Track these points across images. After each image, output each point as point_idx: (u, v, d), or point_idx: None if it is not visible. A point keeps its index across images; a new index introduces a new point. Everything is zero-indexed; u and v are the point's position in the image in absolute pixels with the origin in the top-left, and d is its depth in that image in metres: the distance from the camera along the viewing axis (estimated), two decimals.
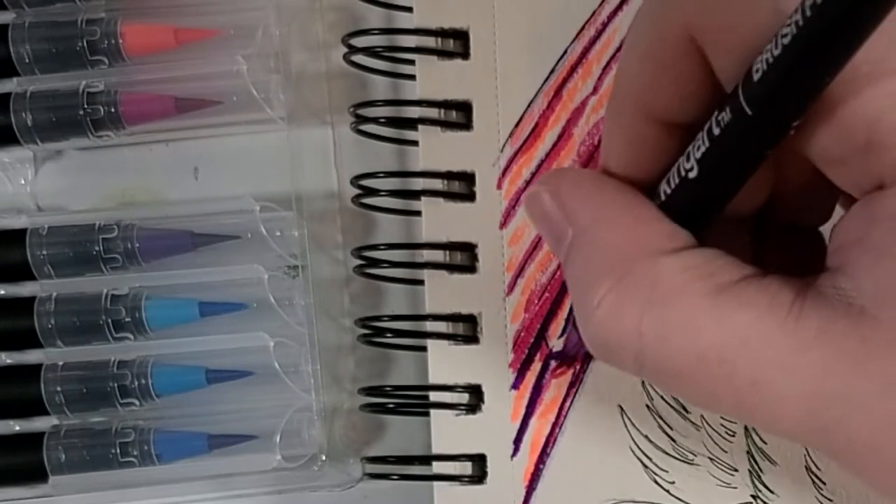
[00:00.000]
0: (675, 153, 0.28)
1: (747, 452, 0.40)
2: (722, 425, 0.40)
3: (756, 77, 0.24)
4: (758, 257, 0.27)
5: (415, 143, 0.41)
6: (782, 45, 0.23)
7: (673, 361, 0.26)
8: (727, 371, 0.26)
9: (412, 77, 0.41)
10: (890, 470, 0.25)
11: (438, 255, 0.41)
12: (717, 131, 0.26)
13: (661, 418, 0.41)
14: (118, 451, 0.43)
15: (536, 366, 0.41)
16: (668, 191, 0.28)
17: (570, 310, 0.40)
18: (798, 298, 0.25)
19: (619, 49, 0.40)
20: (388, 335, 0.43)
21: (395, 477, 0.42)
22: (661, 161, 0.29)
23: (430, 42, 0.41)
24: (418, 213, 0.41)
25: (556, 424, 0.41)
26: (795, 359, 0.25)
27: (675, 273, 0.26)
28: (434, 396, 0.41)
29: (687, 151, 0.27)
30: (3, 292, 0.45)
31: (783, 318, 0.25)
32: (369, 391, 0.43)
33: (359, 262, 0.43)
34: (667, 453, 0.41)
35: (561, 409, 0.41)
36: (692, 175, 0.27)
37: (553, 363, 0.41)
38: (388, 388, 0.43)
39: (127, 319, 0.43)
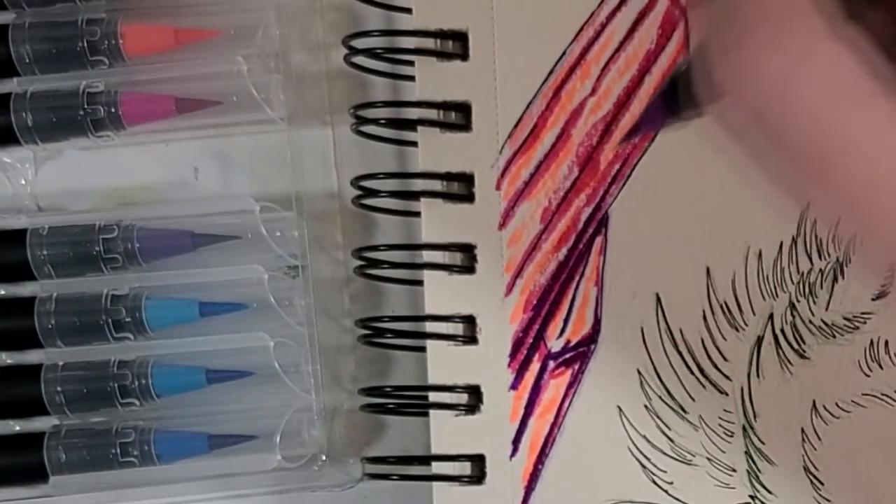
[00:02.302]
0: None
1: (745, 453, 0.41)
2: (720, 426, 0.41)
3: None
4: None
5: (414, 144, 0.42)
6: None
7: (798, 127, 0.26)
8: (854, 155, 0.25)
9: (412, 78, 0.41)
10: None
11: (438, 256, 0.41)
12: None
13: (659, 419, 0.41)
14: (118, 451, 0.43)
15: (535, 366, 0.41)
16: None
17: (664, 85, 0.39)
18: None
19: (617, 50, 0.40)
20: (388, 335, 0.43)
21: (395, 477, 0.43)
22: None
23: (429, 43, 0.41)
24: (418, 214, 0.42)
25: (555, 425, 0.41)
26: None
27: (831, 39, 0.26)
28: (433, 397, 0.41)
29: None
30: (3, 292, 0.45)
31: None
32: (369, 391, 0.43)
33: (359, 262, 0.43)
34: (665, 454, 0.41)
35: (560, 409, 0.41)
36: None
37: (552, 364, 0.41)
38: (388, 389, 0.43)
39: (127, 319, 0.44)
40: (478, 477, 0.41)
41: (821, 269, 0.40)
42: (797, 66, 0.26)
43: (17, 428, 0.45)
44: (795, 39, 0.26)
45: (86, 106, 0.44)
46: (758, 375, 0.40)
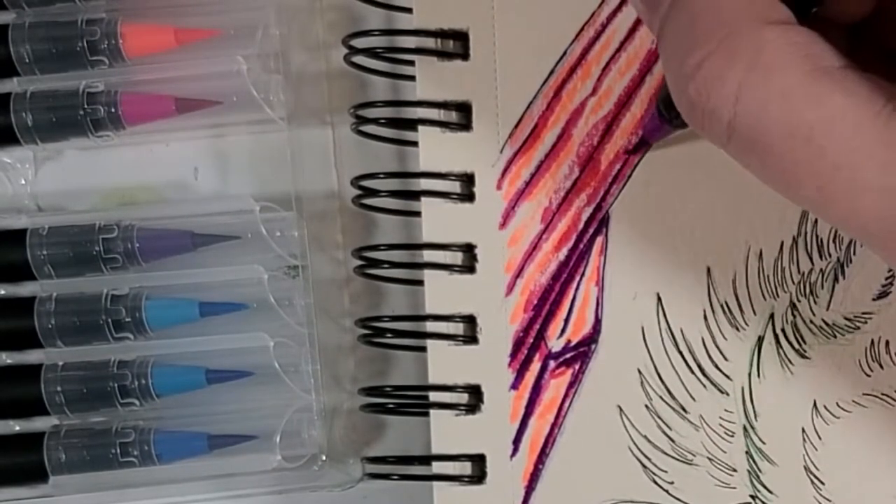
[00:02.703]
0: None
1: (746, 453, 0.41)
2: (721, 426, 0.41)
3: None
4: None
5: (415, 143, 0.41)
6: None
7: (764, 134, 0.27)
8: (815, 152, 0.26)
9: (412, 78, 0.41)
10: None
11: (438, 256, 0.41)
12: None
13: (659, 418, 0.41)
14: (118, 451, 0.43)
15: (535, 366, 0.41)
16: None
17: (660, 87, 0.39)
18: (895, 98, 0.26)
19: (618, 50, 0.40)
20: (388, 335, 0.43)
21: (395, 477, 0.42)
22: None
23: (429, 43, 0.41)
24: (418, 214, 0.42)
25: (556, 425, 0.41)
26: (885, 153, 0.25)
27: (780, 45, 0.27)
28: (434, 396, 0.41)
29: None
30: (3, 292, 0.45)
31: (879, 111, 0.26)
32: (369, 391, 0.43)
33: (359, 262, 0.43)
34: (666, 453, 0.41)
35: (560, 409, 0.41)
36: None
37: (552, 363, 0.41)
38: (388, 388, 0.43)
39: (127, 319, 0.44)
40: (478, 477, 0.41)
41: (821, 269, 0.40)
42: (751, 76, 0.27)
43: (17, 428, 0.45)
44: (745, 53, 0.27)
45: (86, 106, 0.44)
46: (758, 375, 0.40)
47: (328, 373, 0.45)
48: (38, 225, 0.44)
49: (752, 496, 0.41)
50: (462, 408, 0.41)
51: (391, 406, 0.43)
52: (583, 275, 0.41)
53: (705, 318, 0.40)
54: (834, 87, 0.26)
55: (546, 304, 0.41)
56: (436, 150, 0.41)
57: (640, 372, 0.41)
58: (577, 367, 0.41)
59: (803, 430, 0.40)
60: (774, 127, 0.26)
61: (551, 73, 0.40)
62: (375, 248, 0.43)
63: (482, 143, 0.41)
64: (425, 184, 0.41)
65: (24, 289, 0.45)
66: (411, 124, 0.41)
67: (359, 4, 0.44)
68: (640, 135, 0.40)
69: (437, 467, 0.41)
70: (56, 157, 0.47)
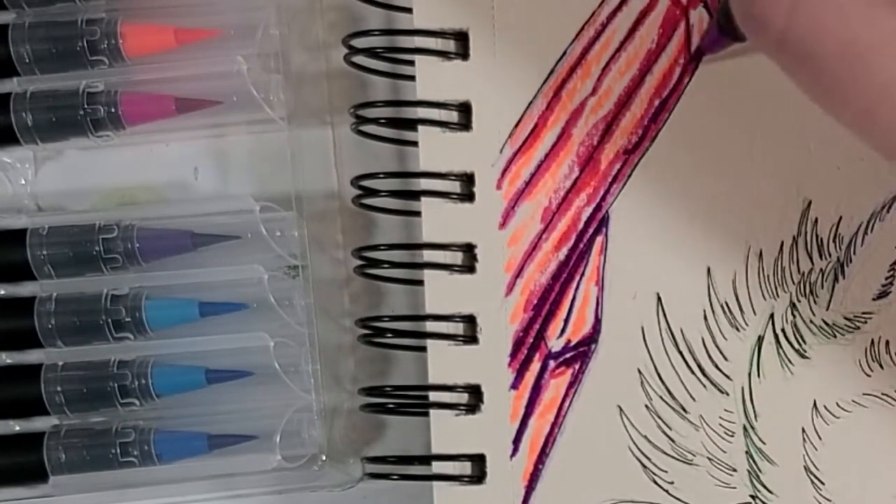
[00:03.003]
0: None
1: (746, 452, 0.41)
2: (721, 425, 0.41)
3: None
4: None
5: (415, 143, 0.41)
6: None
7: (815, 46, 0.26)
8: (864, 70, 0.26)
9: (412, 78, 0.41)
10: None
11: (438, 256, 0.41)
12: None
13: (659, 418, 0.41)
14: (118, 451, 0.43)
15: (535, 366, 0.41)
16: None
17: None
18: None
19: (618, 50, 0.40)
20: (388, 335, 0.43)
21: (395, 477, 0.42)
22: None
23: (429, 43, 0.41)
24: (418, 214, 0.42)
25: (556, 424, 0.41)
26: None
27: None
28: (434, 396, 0.41)
29: None
30: (3, 292, 0.45)
31: None
32: (369, 391, 0.43)
33: (359, 262, 0.43)
34: (666, 453, 0.41)
35: (560, 409, 0.41)
36: None
37: (552, 363, 0.41)
38: (388, 388, 0.43)
39: (127, 319, 0.44)
40: (478, 477, 0.41)
41: (821, 269, 0.40)
42: None
43: (17, 428, 0.45)
44: None
45: (86, 106, 0.44)
46: (758, 375, 0.40)
47: (328, 373, 0.45)
48: (38, 225, 0.44)
49: (752, 496, 0.41)
50: (462, 408, 0.41)
51: (391, 406, 0.43)
52: (583, 274, 0.41)
53: (705, 318, 0.40)
54: (890, 8, 0.26)
55: (546, 304, 0.41)
56: (436, 150, 0.41)
57: (640, 372, 0.41)
58: (577, 366, 0.41)
59: (803, 430, 0.40)
60: (826, 42, 0.26)
61: (551, 72, 0.40)
62: (375, 248, 0.43)
63: (482, 143, 0.41)
64: (425, 184, 0.41)
65: (24, 289, 0.45)
66: (411, 124, 0.41)
67: (359, 4, 0.44)
68: (698, 45, 0.40)
69: (437, 467, 0.41)
70: (56, 157, 0.47)
